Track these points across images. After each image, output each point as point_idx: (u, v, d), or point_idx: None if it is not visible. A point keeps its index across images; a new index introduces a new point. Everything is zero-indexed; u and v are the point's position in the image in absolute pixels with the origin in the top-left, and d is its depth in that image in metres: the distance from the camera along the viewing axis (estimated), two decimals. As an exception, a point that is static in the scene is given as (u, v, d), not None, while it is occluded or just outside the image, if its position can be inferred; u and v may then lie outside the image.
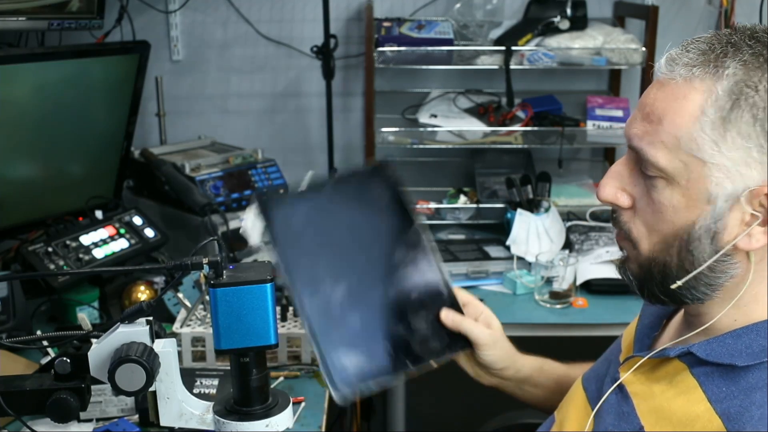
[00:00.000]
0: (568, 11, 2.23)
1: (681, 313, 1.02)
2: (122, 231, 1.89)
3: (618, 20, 2.42)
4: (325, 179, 1.14)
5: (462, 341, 1.18)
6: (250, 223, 1.59)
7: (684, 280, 0.90)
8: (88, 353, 0.87)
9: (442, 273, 1.16)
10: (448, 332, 1.17)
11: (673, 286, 0.91)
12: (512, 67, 2.21)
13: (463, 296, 1.23)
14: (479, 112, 2.36)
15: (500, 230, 2.24)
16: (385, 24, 2.28)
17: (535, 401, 1.31)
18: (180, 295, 1.63)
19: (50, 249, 1.75)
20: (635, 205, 0.93)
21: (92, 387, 0.92)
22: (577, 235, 2.15)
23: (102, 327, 0.92)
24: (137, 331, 0.87)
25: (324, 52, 2.25)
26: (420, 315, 1.14)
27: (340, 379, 1.06)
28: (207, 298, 1.57)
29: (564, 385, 1.27)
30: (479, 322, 1.23)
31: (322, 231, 1.11)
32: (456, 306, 1.20)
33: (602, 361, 1.14)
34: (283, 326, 1.60)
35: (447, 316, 1.18)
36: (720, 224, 0.87)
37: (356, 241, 1.12)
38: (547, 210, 2.15)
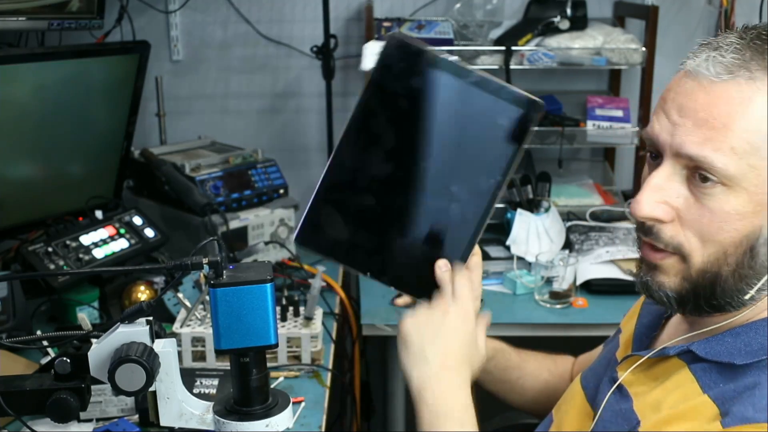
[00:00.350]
0: (568, 11, 2.23)
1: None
2: (122, 231, 1.89)
3: (618, 20, 2.42)
4: (473, 73, 1.00)
5: (428, 294, 1.08)
6: (370, 51, 1.53)
7: (758, 286, 0.87)
8: (88, 353, 0.87)
9: (475, 234, 1.03)
10: (428, 279, 1.04)
11: (746, 297, 0.88)
12: (512, 67, 2.21)
13: (474, 261, 1.07)
14: (479, 112, 2.36)
15: (500, 230, 2.24)
16: (385, 24, 2.27)
17: (483, 384, 1.29)
18: (180, 295, 1.63)
19: (50, 249, 1.75)
20: (681, 216, 0.88)
21: (92, 387, 0.92)
22: (577, 235, 2.15)
23: (102, 327, 0.92)
24: (137, 331, 0.87)
25: (324, 52, 2.25)
26: (422, 246, 1.03)
27: (302, 235, 1.06)
28: (207, 298, 1.57)
29: (512, 375, 1.29)
30: None
31: (421, 100, 1.00)
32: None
33: (600, 360, 1.14)
34: (283, 326, 1.60)
35: (441, 266, 1.02)
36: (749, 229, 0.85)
37: (437, 143, 1.01)
38: (547, 210, 2.15)
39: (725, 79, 0.84)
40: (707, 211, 0.86)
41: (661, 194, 0.89)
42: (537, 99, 0.98)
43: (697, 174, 0.86)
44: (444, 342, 0.97)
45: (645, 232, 0.92)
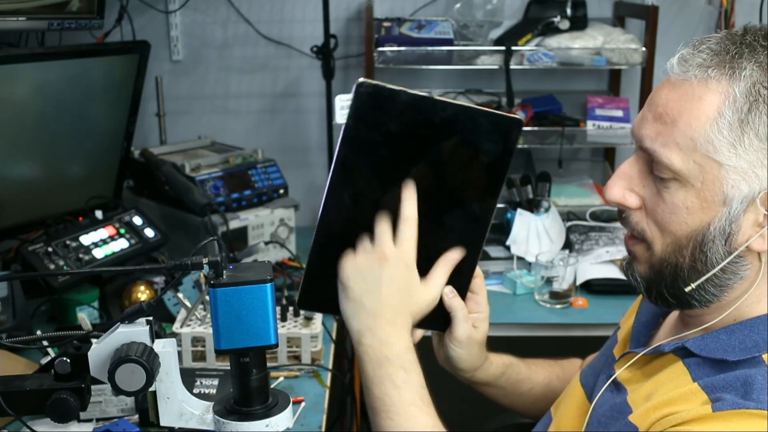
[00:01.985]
0: (568, 11, 2.23)
1: (678, 311, 1.03)
2: (122, 231, 1.89)
3: (618, 20, 2.42)
4: (449, 105, 0.97)
5: (441, 323, 1.11)
6: (340, 104, 1.52)
7: (697, 282, 0.90)
8: (88, 353, 0.87)
9: (476, 257, 1.04)
10: (439, 310, 1.07)
11: (687, 289, 0.90)
12: (512, 67, 2.21)
13: (477, 284, 1.14)
14: (479, 112, 2.36)
15: (500, 230, 2.24)
16: (385, 24, 2.28)
17: (495, 399, 1.31)
18: (180, 295, 1.63)
19: (50, 249, 1.75)
20: (645, 205, 0.92)
21: (92, 387, 0.92)
22: (577, 235, 2.15)
23: (102, 327, 0.92)
24: (137, 331, 0.87)
25: (324, 52, 2.25)
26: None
27: (304, 299, 1.04)
28: (207, 298, 1.57)
29: (523, 388, 1.29)
30: (469, 318, 1.15)
31: (401, 143, 0.98)
32: (464, 289, 1.10)
33: (599, 357, 1.15)
34: (283, 326, 1.60)
35: (448, 293, 1.07)
36: (734, 226, 0.87)
37: (425, 182, 0.98)
38: (547, 210, 2.15)
39: (681, 77, 0.87)
40: (662, 202, 0.90)
41: (628, 182, 0.94)
42: (515, 116, 0.98)
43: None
44: (381, 291, 0.98)
45: (619, 218, 0.97)
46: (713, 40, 0.88)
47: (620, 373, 1.00)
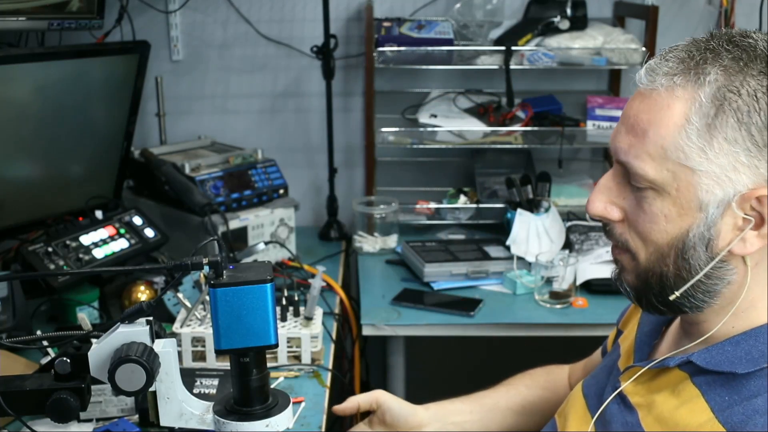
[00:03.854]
0: (568, 11, 2.24)
1: (678, 320, 1.02)
2: (122, 231, 1.89)
3: (618, 20, 2.42)
4: None
5: None
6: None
7: (682, 290, 0.90)
8: (88, 353, 0.87)
9: None
10: None
11: (672, 297, 0.90)
12: (512, 67, 2.21)
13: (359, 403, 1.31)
14: (479, 112, 2.36)
15: (500, 230, 2.24)
16: (385, 24, 2.28)
17: (476, 428, 1.33)
18: (180, 295, 1.63)
19: (50, 249, 1.75)
20: (627, 217, 0.93)
21: (92, 387, 0.92)
22: (577, 235, 2.15)
23: (102, 327, 0.92)
24: (137, 331, 0.87)
25: (324, 52, 2.25)
26: None
27: None
28: (207, 298, 1.57)
29: (487, 404, 1.33)
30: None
31: None
32: None
33: (602, 368, 1.14)
34: (282, 326, 1.60)
35: (340, 410, 1.28)
36: (713, 231, 0.86)
37: None
38: (547, 210, 2.15)
39: (650, 87, 0.88)
40: (642, 212, 0.90)
41: (608, 194, 0.94)
42: None
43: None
44: None
45: (603, 230, 0.98)
46: (680, 48, 0.88)
47: (626, 387, 0.99)
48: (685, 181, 0.86)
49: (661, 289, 0.91)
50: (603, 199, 0.94)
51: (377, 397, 1.31)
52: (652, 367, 0.96)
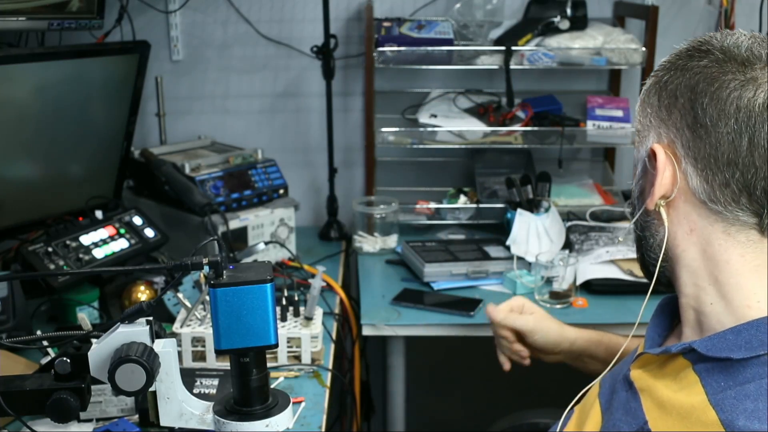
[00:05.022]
0: (568, 11, 2.23)
1: (686, 314, 1.03)
2: (122, 231, 1.89)
3: (618, 20, 2.42)
4: None
5: None
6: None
7: (629, 225, 1.04)
8: (88, 353, 0.88)
9: None
10: None
11: (628, 226, 1.05)
12: (512, 67, 2.21)
13: (510, 305, 1.51)
14: (479, 112, 2.36)
15: (500, 230, 2.24)
16: (385, 24, 2.28)
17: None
18: (180, 295, 1.63)
19: (50, 249, 1.75)
20: None
21: (92, 387, 0.92)
22: (577, 235, 2.15)
23: (102, 327, 0.92)
24: (137, 331, 0.88)
25: (324, 52, 2.25)
26: None
27: None
28: (207, 298, 1.57)
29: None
30: (523, 313, 1.50)
31: None
32: None
33: (620, 363, 1.16)
34: (283, 326, 1.60)
35: (492, 310, 1.48)
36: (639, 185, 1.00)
37: None
38: (547, 210, 2.15)
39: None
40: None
41: None
42: None
43: None
44: None
45: None
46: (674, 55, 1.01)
47: (634, 373, 1.01)
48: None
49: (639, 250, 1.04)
50: None
51: (533, 329, 1.47)
52: (658, 354, 0.98)
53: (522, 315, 1.50)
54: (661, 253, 0.98)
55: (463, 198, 2.37)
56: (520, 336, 1.51)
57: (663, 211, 0.96)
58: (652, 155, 0.95)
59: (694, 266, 0.96)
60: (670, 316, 1.08)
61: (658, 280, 1.01)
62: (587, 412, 1.12)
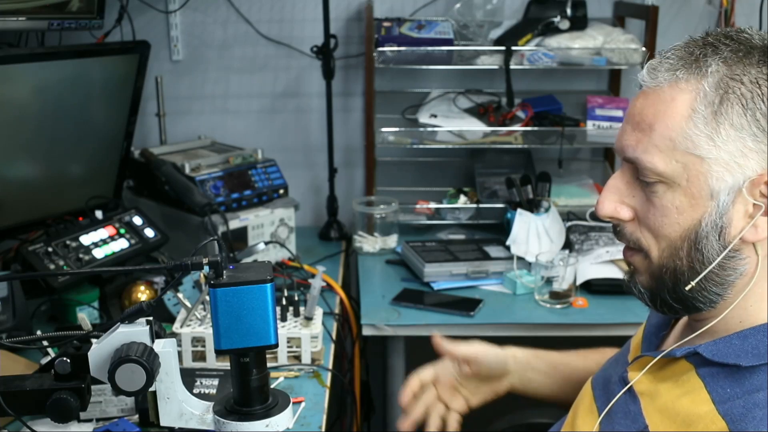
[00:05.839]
0: (568, 11, 2.24)
1: None
2: (122, 231, 1.89)
3: (618, 20, 2.42)
4: None
5: None
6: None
7: (696, 280, 0.90)
8: (88, 353, 0.88)
9: None
10: None
11: (687, 288, 0.91)
12: (512, 67, 2.21)
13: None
14: (479, 112, 2.36)
15: (500, 230, 2.24)
16: (385, 24, 2.28)
17: (543, 390, 1.34)
18: (180, 295, 1.63)
19: (50, 249, 1.75)
20: (637, 215, 0.94)
21: (92, 387, 0.92)
22: (577, 235, 2.15)
23: (102, 327, 0.92)
24: (137, 331, 0.87)
25: (324, 52, 2.25)
26: None
27: None
28: (207, 298, 1.57)
29: (561, 371, 1.32)
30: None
31: None
32: None
33: (611, 362, 1.15)
34: (283, 326, 1.60)
35: (437, 342, 1.31)
36: (725, 219, 0.87)
37: None
38: (547, 210, 2.15)
39: (653, 85, 0.90)
40: (652, 207, 0.91)
41: (618, 195, 0.95)
42: None
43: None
44: None
45: (614, 232, 0.98)
46: (678, 46, 0.91)
47: (631, 375, 1.00)
48: (695, 171, 0.87)
49: (675, 285, 0.92)
50: (613, 199, 0.95)
51: (477, 354, 1.34)
52: (660, 357, 0.97)
53: (463, 344, 1.36)
54: (746, 290, 0.90)
55: (463, 198, 2.37)
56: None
57: (760, 246, 0.88)
58: (765, 185, 0.85)
59: (759, 293, 0.90)
60: (666, 318, 1.07)
61: (670, 306, 0.95)
62: (577, 412, 1.12)
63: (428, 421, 1.33)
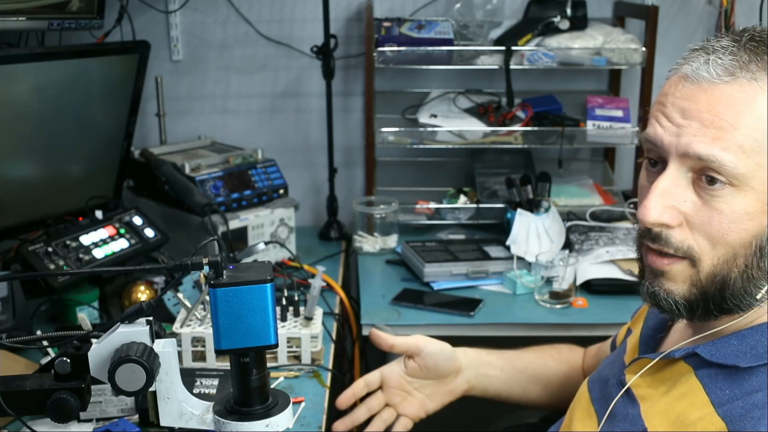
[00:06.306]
0: (568, 11, 2.24)
1: None
2: (122, 231, 1.89)
3: (618, 20, 2.42)
4: None
5: None
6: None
7: (766, 288, 0.87)
8: (88, 353, 0.87)
9: None
10: None
11: (756, 298, 0.87)
12: (512, 67, 2.21)
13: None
14: (479, 112, 2.36)
15: (500, 230, 2.24)
16: (385, 24, 2.28)
17: (500, 387, 1.35)
18: (180, 295, 1.63)
19: (50, 249, 1.75)
20: (689, 220, 0.88)
21: (92, 387, 0.92)
22: (577, 235, 2.15)
23: (102, 327, 0.92)
24: (137, 331, 0.87)
25: (324, 52, 2.25)
26: None
27: None
28: (207, 298, 1.57)
29: (516, 365, 1.34)
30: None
31: None
32: None
33: (607, 363, 1.14)
34: (283, 326, 1.60)
35: (376, 335, 1.29)
36: None
37: None
38: (547, 210, 2.15)
39: (727, 80, 0.84)
40: (716, 213, 0.86)
41: (668, 199, 0.88)
42: None
43: (704, 176, 0.86)
44: None
45: (653, 238, 0.90)
46: (725, 42, 0.87)
47: (629, 377, 0.99)
48: None
49: (722, 295, 0.88)
50: (663, 204, 0.88)
51: (417, 343, 1.30)
52: (658, 359, 0.96)
53: (407, 337, 1.33)
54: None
55: (463, 198, 2.37)
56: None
57: None
58: None
59: None
60: (663, 320, 1.07)
61: (710, 314, 0.91)
62: (574, 414, 1.12)
63: (371, 425, 1.31)
